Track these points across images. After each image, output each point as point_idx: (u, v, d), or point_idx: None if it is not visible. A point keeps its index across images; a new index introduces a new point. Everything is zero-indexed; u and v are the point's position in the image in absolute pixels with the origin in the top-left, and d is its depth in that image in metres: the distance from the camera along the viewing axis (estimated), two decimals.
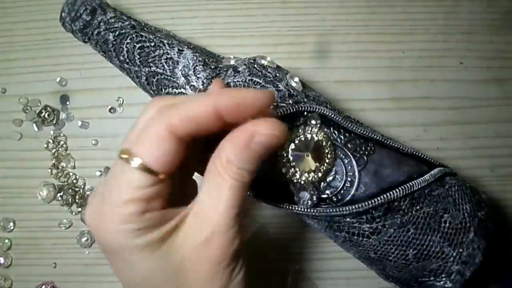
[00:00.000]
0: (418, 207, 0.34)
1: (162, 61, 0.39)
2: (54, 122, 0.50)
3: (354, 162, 0.35)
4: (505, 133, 0.49)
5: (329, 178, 0.35)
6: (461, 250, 0.34)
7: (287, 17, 0.51)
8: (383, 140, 0.36)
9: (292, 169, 0.33)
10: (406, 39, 0.50)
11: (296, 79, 0.37)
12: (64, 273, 0.48)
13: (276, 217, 0.49)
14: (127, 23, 0.41)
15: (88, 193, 0.49)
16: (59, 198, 0.49)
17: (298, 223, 0.48)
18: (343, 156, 0.35)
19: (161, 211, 0.26)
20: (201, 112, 0.25)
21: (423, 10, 0.51)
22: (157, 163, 0.25)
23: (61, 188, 0.49)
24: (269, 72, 0.37)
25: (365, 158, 0.35)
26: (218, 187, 0.26)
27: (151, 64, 0.40)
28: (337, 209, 0.34)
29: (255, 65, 0.37)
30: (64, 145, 0.50)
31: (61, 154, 0.49)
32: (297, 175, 0.33)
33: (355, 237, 0.36)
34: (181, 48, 0.40)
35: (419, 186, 0.34)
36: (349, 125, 0.35)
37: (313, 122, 0.34)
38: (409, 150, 0.37)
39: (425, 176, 0.35)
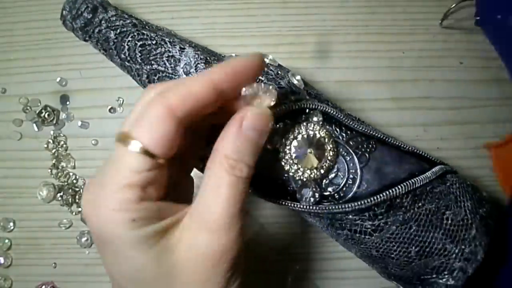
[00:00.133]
0: (420, 204, 0.34)
1: (164, 59, 0.39)
2: (54, 122, 0.50)
3: (356, 160, 0.35)
4: (505, 133, 0.49)
5: (331, 175, 0.35)
6: (463, 247, 0.34)
7: (288, 17, 0.51)
8: (384, 138, 0.36)
9: (295, 166, 0.33)
10: (406, 39, 0.50)
11: (298, 77, 0.37)
12: (64, 273, 0.48)
13: (276, 217, 0.49)
14: (128, 21, 0.41)
15: None
16: (59, 198, 0.49)
17: (298, 223, 0.48)
18: (345, 154, 0.35)
19: (158, 204, 0.26)
20: (199, 88, 0.25)
21: (423, 10, 0.51)
22: (156, 146, 0.24)
23: (61, 188, 0.49)
24: (271, 70, 0.37)
25: (367, 155, 0.35)
26: (217, 185, 0.26)
27: (152, 62, 0.40)
28: (340, 206, 0.33)
29: None
30: (64, 145, 0.50)
31: (61, 154, 0.49)
32: (299, 172, 0.33)
33: (357, 235, 0.35)
34: (182, 46, 0.40)
35: (421, 183, 0.34)
36: (351, 122, 0.35)
37: (315, 119, 0.34)
38: (410, 148, 0.37)
39: (426, 173, 0.35)
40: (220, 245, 0.25)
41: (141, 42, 0.40)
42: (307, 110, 0.34)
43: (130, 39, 0.40)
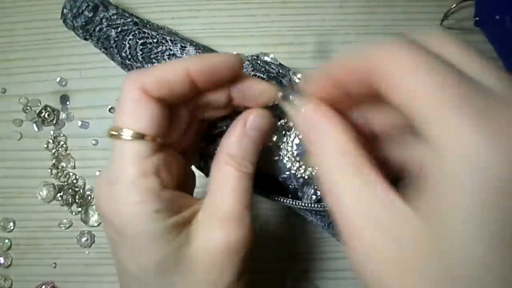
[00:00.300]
0: None
1: (165, 57, 0.39)
2: (54, 122, 0.50)
3: None
4: None
5: None
6: None
7: (287, 17, 0.51)
8: None
9: (296, 163, 0.33)
10: None
11: (299, 75, 0.37)
12: (64, 273, 0.48)
13: (276, 217, 0.49)
14: (129, 19, 0.41)
15: (88, 193, 0.49)
16: (59, 198, 0.49)
17: (299, 223, 0.48)
18: None
19: (175, 193, 0.27)
20: (172, 75, 0.26)
21: (423, 10, 0.51)
22: (145, 126, 0.25)
23: (61, 188, 0.49)
24: (272, 68, 0.37)
25: None
26: (226, 181, 0.27)
27: (153, 60, 0.40)
28: None
29: (258, 61, 0.37)
30: (64, 145, 0.50)
31: (61, 154, 0.49)
32: (301, 170, 0.33)
33: None
34: (183, 45, 0.40)
35: None
36: None
37: None
38: None
39: None
40: (235, 237, 0.26)
41: (142, 41, 0.40)
42: None
43: (131, 37, 0.40)
